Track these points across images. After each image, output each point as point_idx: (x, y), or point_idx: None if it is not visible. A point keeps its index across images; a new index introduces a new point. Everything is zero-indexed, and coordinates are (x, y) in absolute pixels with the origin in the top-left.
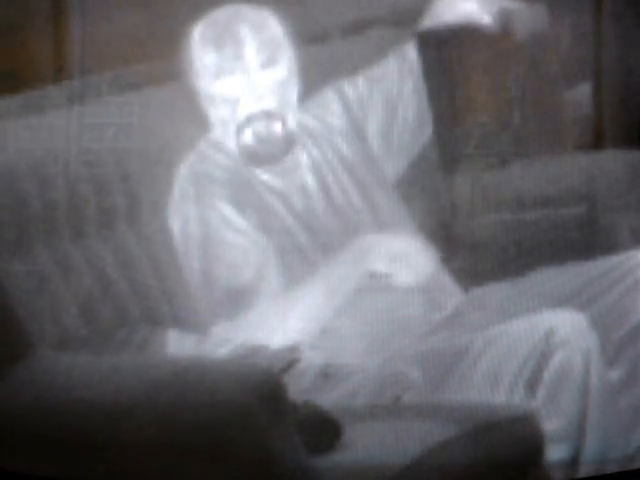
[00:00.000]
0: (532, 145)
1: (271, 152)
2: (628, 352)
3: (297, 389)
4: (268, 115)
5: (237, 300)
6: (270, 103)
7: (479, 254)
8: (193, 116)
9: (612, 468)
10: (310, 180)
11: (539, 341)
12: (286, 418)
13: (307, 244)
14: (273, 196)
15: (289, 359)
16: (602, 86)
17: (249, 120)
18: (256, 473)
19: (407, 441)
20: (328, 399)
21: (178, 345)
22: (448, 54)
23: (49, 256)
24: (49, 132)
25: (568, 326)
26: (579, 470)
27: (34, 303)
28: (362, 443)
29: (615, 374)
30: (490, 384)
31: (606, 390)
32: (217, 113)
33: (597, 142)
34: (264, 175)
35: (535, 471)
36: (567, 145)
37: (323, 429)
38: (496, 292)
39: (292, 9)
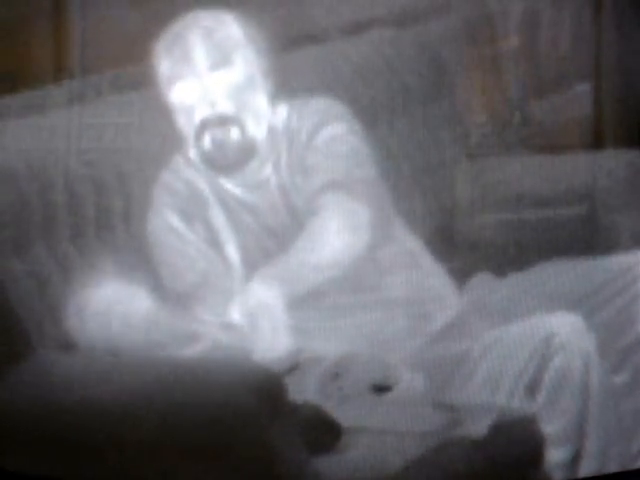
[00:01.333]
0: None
1: (229, 158)
2: (633, 358)
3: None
4: (222, 120)
5: (181, 302)
6: (225, 107)
7: (479, 254)
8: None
9: (612, 468)
10: (276, 193)
11: (539, 344)
12: (286, 418)
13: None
14: (242, 209)
15: (292, 361)
16: (602, 86)
17: (204, 125)
18: (256, 473)
19: (407, 441)
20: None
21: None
22: (448, 54)
23: (49, 256)
24: (49, 132)
25: (567, 329)
26: (579, 471)
27: (34, 303)
28: (362, 443)
29: (619, 379)
30: (491, 387)
31: (607, 392)
32: (179, 122)
33: (597, 142)
34: (235, 189)
35: (535, 472)
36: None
37: (323, 429)
38: (496, 292)
39: (283, 10)
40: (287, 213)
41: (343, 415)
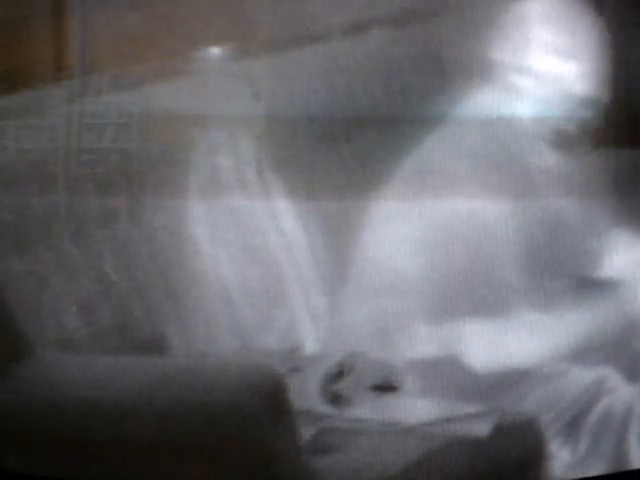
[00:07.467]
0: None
1: None
2: None
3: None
4: None
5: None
6: None
7: None
8: (194, 115)
9: (611, 469)
10: None
11: None
12: (286, 418)
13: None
14: None
15: (295, 360)
16: (602, 87)
17: None
18: (256, 473)
19: (408, 442)
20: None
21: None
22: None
23: (49, 256)
24: (49, 132)
25: None
26: (579, 472)
27: (34, 303)
28: (362, 443)
29: (634, 389)
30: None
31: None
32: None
33: (597, 142)
34: None
35: (535, 472)
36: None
37: None
38: None
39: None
40: None
41: (344, 415)
